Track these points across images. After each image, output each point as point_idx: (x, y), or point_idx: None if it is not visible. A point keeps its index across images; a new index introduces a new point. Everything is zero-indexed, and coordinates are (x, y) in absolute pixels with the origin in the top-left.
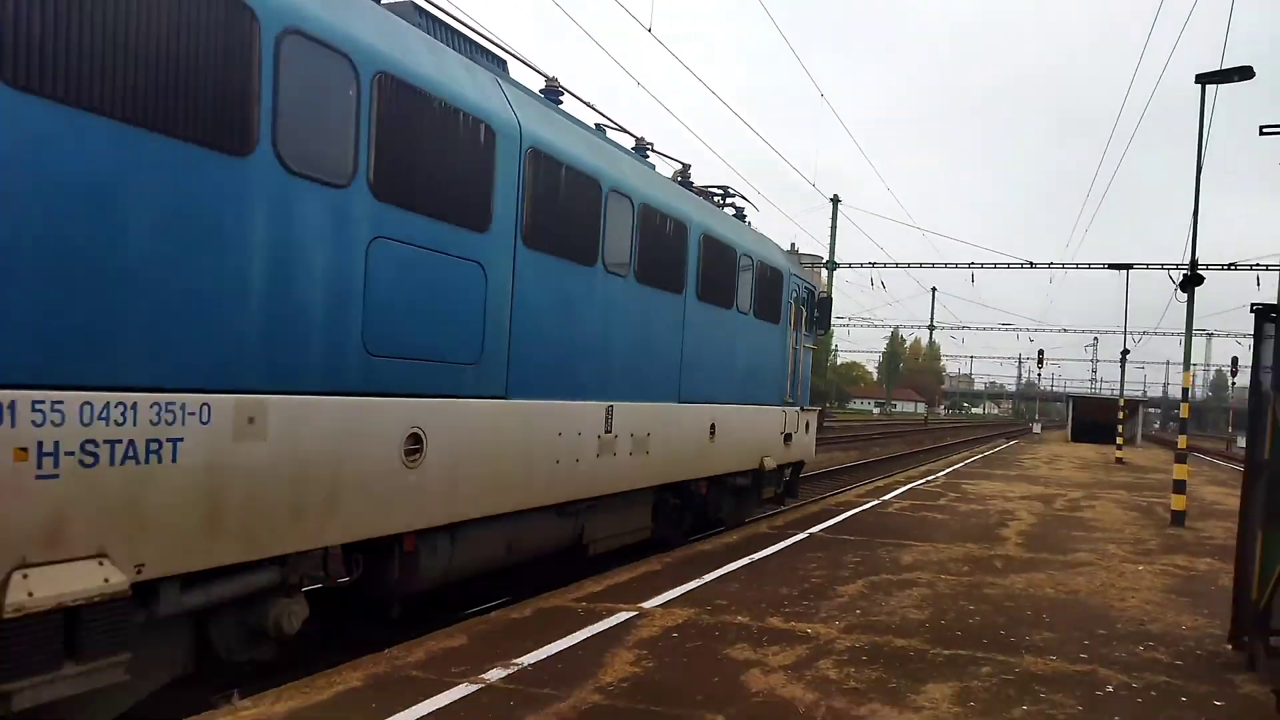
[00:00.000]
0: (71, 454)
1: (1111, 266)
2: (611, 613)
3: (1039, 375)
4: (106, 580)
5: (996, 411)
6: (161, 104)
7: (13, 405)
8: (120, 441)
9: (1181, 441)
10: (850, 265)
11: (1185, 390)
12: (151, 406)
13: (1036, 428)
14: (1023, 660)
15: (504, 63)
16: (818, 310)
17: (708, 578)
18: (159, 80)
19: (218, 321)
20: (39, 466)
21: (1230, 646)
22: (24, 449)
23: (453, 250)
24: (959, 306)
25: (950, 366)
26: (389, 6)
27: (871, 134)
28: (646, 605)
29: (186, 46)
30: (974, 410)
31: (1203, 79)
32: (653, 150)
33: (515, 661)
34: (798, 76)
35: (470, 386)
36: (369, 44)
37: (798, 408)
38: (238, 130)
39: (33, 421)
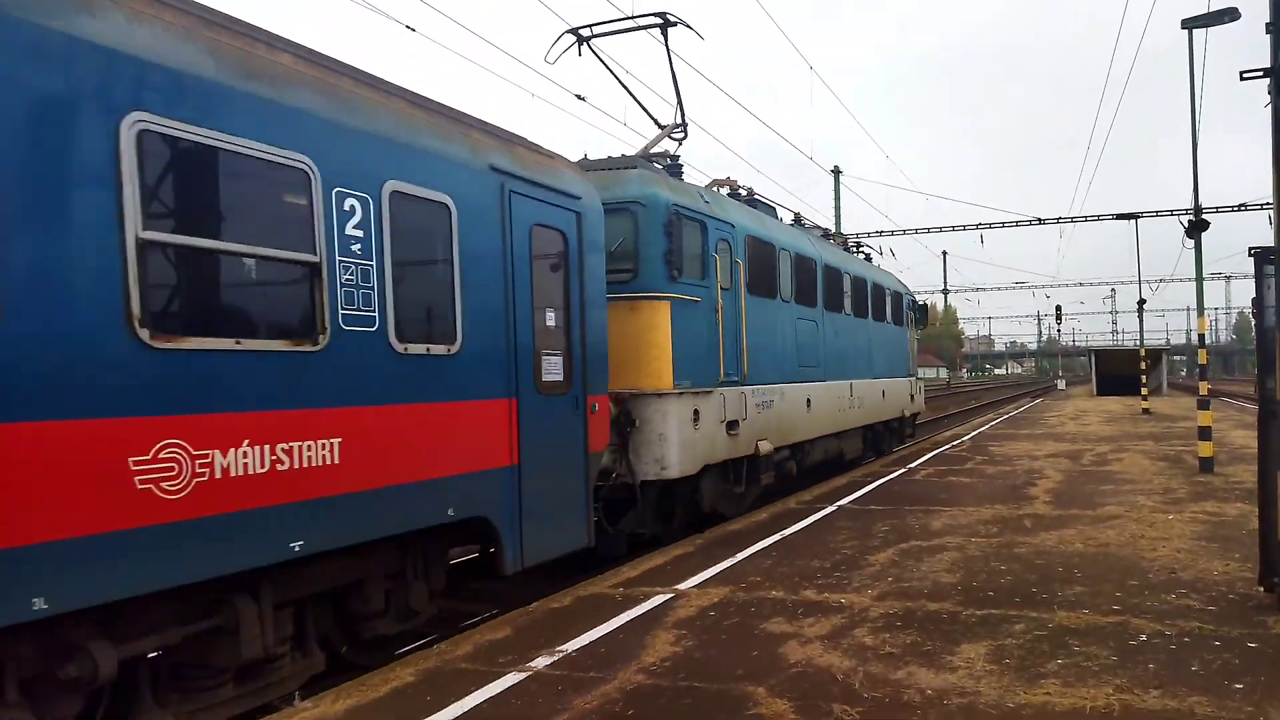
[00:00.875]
0: (758, 405)
1: (1119, 217)
2: (648, 596)
3: (1058, 331)
4: (769, 447)
5: (1019, 371)
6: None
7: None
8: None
9: (1202, 388)
10: (857, 236)
11: (1201, 336)
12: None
13: (1061, 384)
14: (1055, 615)
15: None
16: (919, 314)
17: (740, 556)
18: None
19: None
20: (758, 410)
21: (1261, 589)
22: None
23: (806, 315)
24: (971, 268)
25: (969, 329)
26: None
27: (866, 101)
28: (682, 587)
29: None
30: (996, 371)
31: (1189, 24)
32: (808, 222)
33: (560, 648)
34: (787, 51)
35: (816, 376)
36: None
37: (914, 378)
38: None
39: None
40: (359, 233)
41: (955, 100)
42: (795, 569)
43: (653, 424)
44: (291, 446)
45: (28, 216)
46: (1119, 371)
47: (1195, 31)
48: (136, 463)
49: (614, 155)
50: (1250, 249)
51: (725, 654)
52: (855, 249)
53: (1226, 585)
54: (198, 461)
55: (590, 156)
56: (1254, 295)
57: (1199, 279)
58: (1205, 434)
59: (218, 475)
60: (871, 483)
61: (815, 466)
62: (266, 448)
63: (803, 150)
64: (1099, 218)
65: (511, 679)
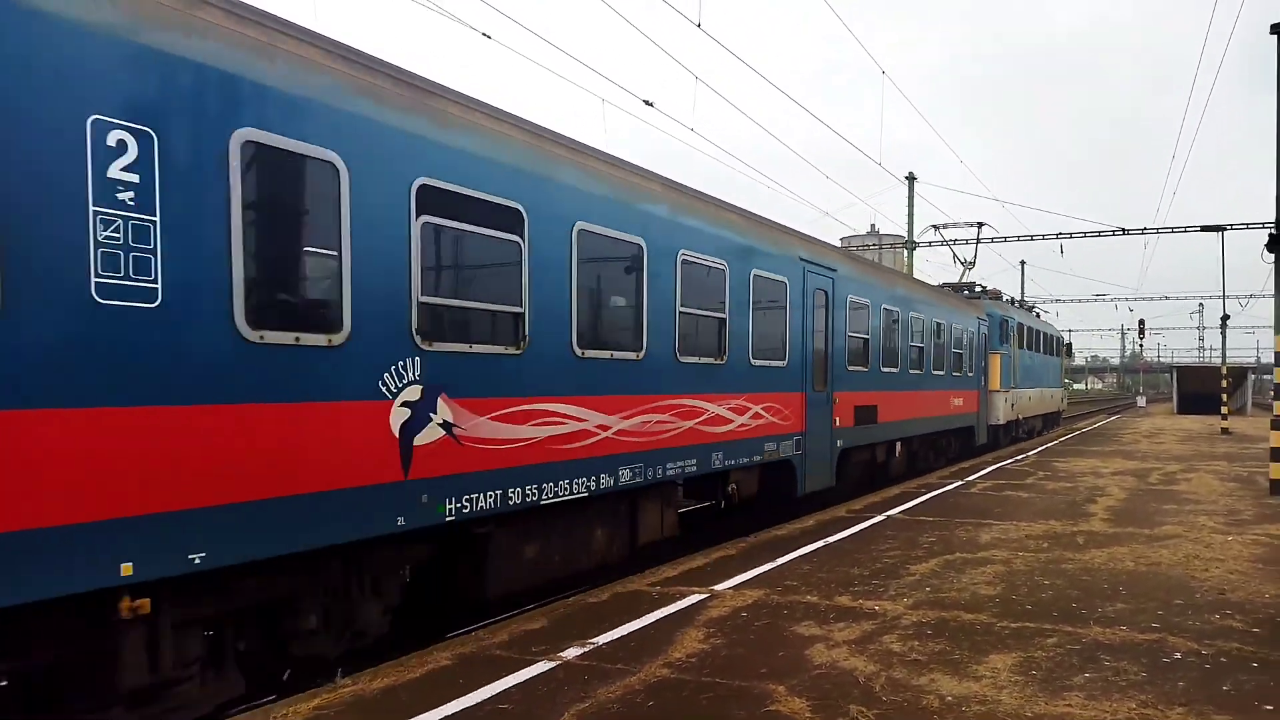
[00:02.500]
0: (1015, 397)
1: (1205, 229)
2: (684, 595)
3: (1140, 346)
4: (1018, 415)
5: (1100, 386)
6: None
7: (1014, 392)
8: (1019, 395)
9: (1277, 408)
10: (930, 244)
11: (1277, 355)
12: (1018, 391)
13: (1141, 400)
14: (1090, 631)
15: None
16: (1067, 349)
17: (780, 560)
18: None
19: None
20: (1015, 398)
21: None
22: (1016, 396)
23: (1027, 355)
24: (1049, 279)
25: None
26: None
27: (939, 106)
28: (718, 587)
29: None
30: (1075, 386)
31: (1278, 29)
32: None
33: (591, 641)
34: (858, 54)
35: (1028, 385)
36: (1015, 317)
37: (1063, 389)
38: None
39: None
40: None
41: (1035, 105)
42: (834, 575)
43: (995, 401)
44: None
45: None
46: (1201, 389)
47: None
48: None
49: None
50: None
51: (751, 653)
52: (1033, 309)
53: (1276, 609)
54: None
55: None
56: None
57: (1278, 294)
58: (1278, 455)
59: None
60: (925, 494)
61: (1029, 429)
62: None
63: (872, 156)
64: (1184, 229)
65: (541, 667)
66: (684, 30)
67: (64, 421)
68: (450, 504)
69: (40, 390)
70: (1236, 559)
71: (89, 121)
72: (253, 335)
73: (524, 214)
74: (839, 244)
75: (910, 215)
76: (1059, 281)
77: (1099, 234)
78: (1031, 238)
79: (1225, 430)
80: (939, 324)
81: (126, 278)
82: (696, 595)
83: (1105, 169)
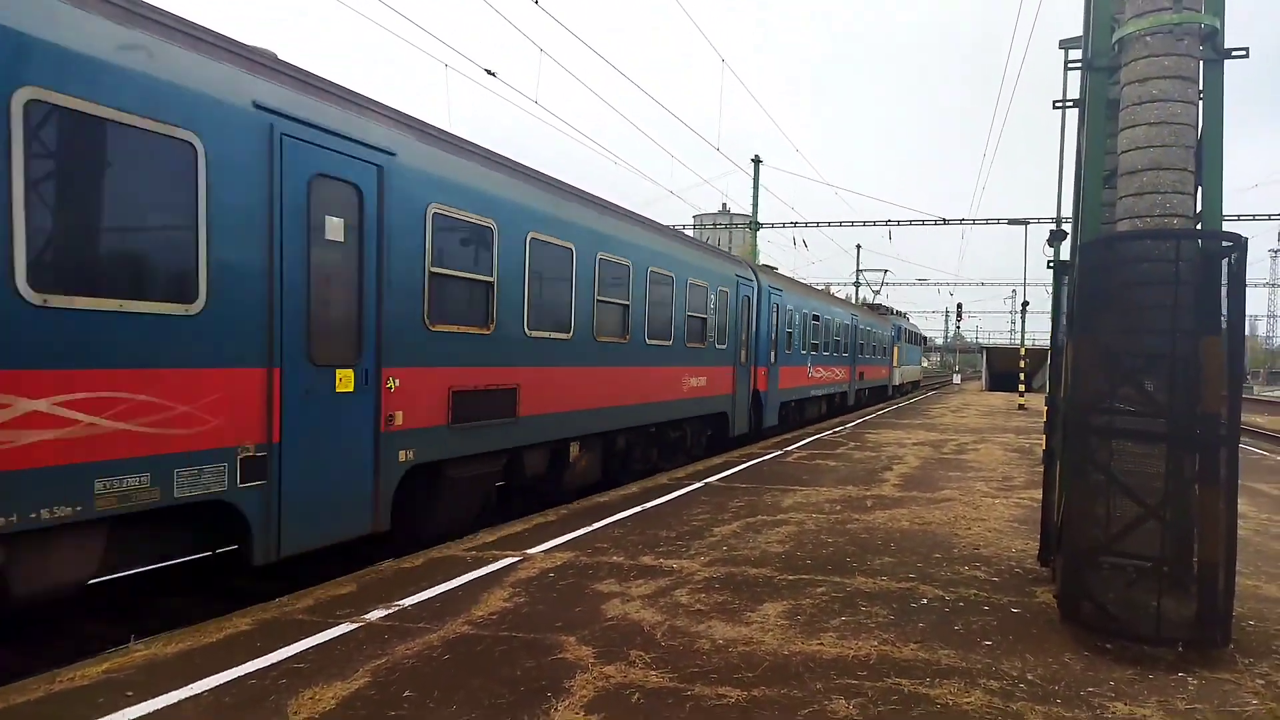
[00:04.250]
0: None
1: (1012, 222)
2: (498, 559)
3: (959, 328)
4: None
5: (925, 365)
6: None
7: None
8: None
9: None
10: (773, 225)
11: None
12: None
13: (956, 379)
14: (855, 581)
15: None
16: (925, 340)
17: (596, 525)
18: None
19: None
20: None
21: (1041, 565)
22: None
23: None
24: (879, 262)
25: None
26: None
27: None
28: (532, 551)
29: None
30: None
31: (1066, 44)
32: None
33: (397, 603)
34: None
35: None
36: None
37: (919, 365)
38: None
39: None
40: None
41: (875, 99)
42: (644, 538)
43: (894, 372)
44: None
45: None
46: (1008, 369)
47: (1074, 52)
48: None
49: None
50: (1048, 262)
51: (550, 609)
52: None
53: (1017, 561)
54: None
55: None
56: (1051, 305)
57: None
58: (1051, 427)
59: None
60: (745, 463)
61: (910, 387)
62: None
63: (710, 140)
64: (996, 220)
65: (343, 629)
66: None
67: None
68: None
69: None
70: (998, 519)
71: None
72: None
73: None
74: (691, 221)
75: (755, 197)
76: (889, 265)
77: (924, 222)
78: (864, 224)
79: (1022, 406)
80: (871, 330)
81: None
82: (510, 559)
83: (932, 160)
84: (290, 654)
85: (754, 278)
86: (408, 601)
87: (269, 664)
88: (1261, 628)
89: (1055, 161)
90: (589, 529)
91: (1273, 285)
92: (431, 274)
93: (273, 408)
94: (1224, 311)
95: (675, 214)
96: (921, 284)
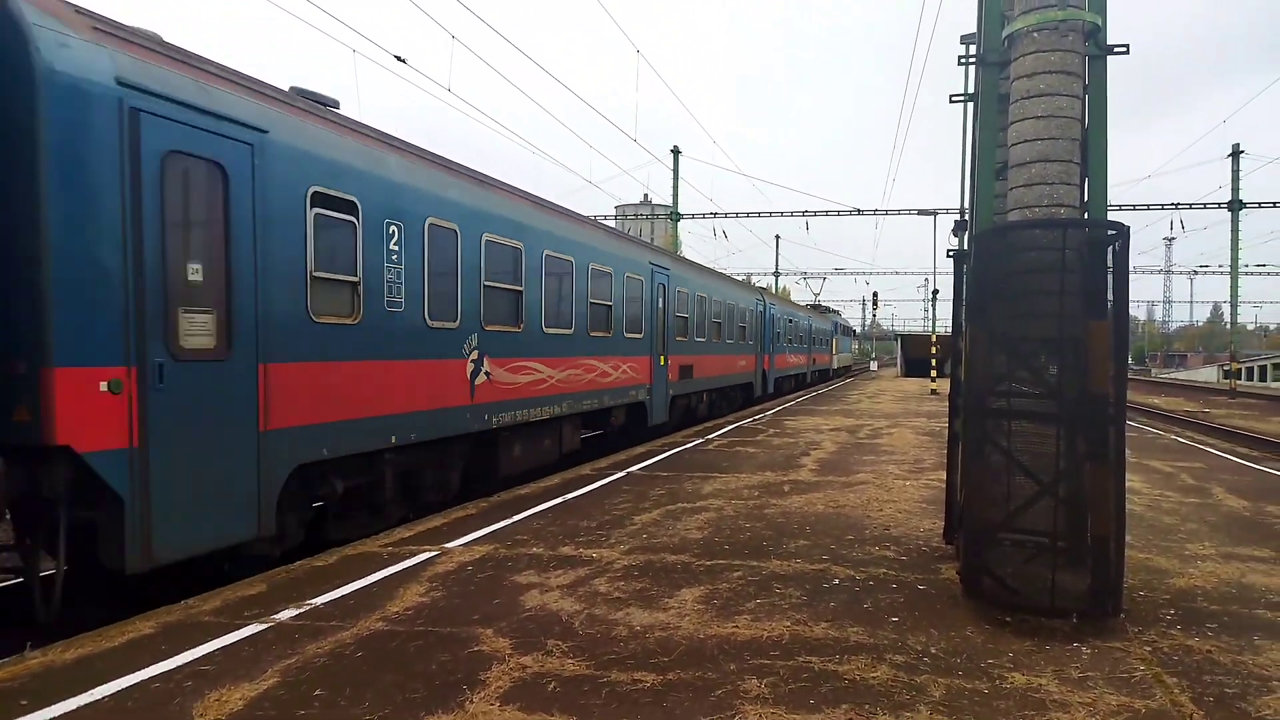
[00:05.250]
0: None
1: (921, 213)
2: (415, 554)
3: (874, 316)
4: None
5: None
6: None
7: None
8: None
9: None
10: (694, 216)
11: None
12: None
13: (873, 365)
14: (770, 565)
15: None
16: (855, 332)
17: (516, 517)
18: None
19: None
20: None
21: (946, 543)
22: None
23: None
24: (797, 253)
25: None
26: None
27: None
28: (450, 545)
29: None
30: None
31: (967, 39)
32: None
33: (309, 602)
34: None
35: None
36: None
37: (850, 353)
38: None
39: None
40: None
41: (784, 92)
42: (564, 528)
43: (834, 359)
44: None
45: None
46: (922, 355)
47: (972, 47)
48: None
49: None
50: (947, 251)
51: (467, 603)
52: (827, 310)
53: (924, 540)
54: None
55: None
56: (953, 293)
57: (957, 276)
58: (955, 411)
59: None
60: (666, 451)
61: (843, 370)
62: None
63: (626, 131)
64: (906, 211)
65: (251, 629)
66: None
67: None
68: None
69: None
70: (908, 500)
71: None
72: None
73: None
74: (613, 212)
75: (675, 187)
76: (806, 255)
77: (839, 213)
78: (783, 214)
79: (934, 391)
80: (820, 327)
81: None
82: (427, 553)
83: (847, 153)
84: (196, 656)
85: (833, 324)
86: (320, 600)
87: (173, 667)
88: (1151, 598)
89: (959, 154)
90: (509, 521)
91: (1166, 272)
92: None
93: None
94: (1109, 297)
95: (597, 205)
96: (839, 273)
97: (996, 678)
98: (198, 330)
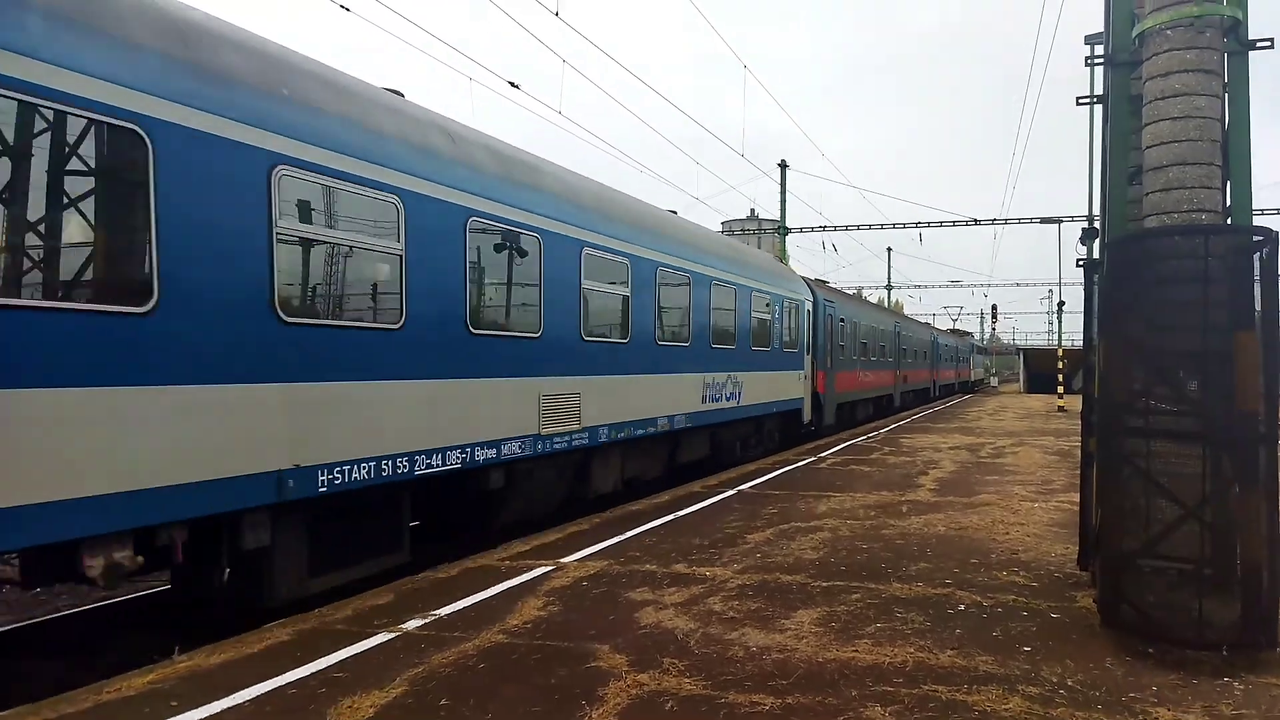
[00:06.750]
0: None
1: (1044, 220)
2: (531, 568)
3: (994, 329)
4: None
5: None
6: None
7: None
8: None
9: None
10: (802, 230)
11: (1085, 337)
12: None
13: (994, 381)
14: (890, 587)
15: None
16: (983, 349)
17: (629, 534)
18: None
19: None
20: None
21: (1080, 569)
22: None
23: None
24: (910, 266)
25: None
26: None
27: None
28: (565, 560)
29: None
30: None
31: (1092, 39)
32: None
33: (434, 612)
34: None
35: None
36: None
37: (984, 368)
38: None
39: None
40: None
41: (899, 102)
42: (676, 546)
43: (976, 372)
44: None
45: None
46: (1047, 370)
47: (1098, 47)
48: None
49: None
50: (1077, 261)
51: (584, 618)
52: (965, 333)
53: (1057, 566)
54: None
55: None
56: (1084, 307)
57: (1086, 280)
58: (1088, 429)
59: None
60: (777, 470)
61: (979, 383)
62: None
63: (734, 147)
64: (1029, 220)
65: (381, 638)
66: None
67: None
68: None
69: None
70: (1037, 524)
71: None
72: None
73: None
74: (720, 228)
75: (783, 201)
76: (920, 268)
77: (954, 223)
78: (894, 226)
79: (1061, 408)
80: (950, 346)
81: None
82: (544, 568)
83: (962, 162)
84: (329, 663)
85: (970, 345)
86: (444, 611)
87: (309, 673)
88: None
89: (1085, 158)
90: (621, 537)
91: None
92: None
93: None
94: (1257, 307)
95: (703, 221)
96: (955, 285)
97: (1140, 713)
98: None
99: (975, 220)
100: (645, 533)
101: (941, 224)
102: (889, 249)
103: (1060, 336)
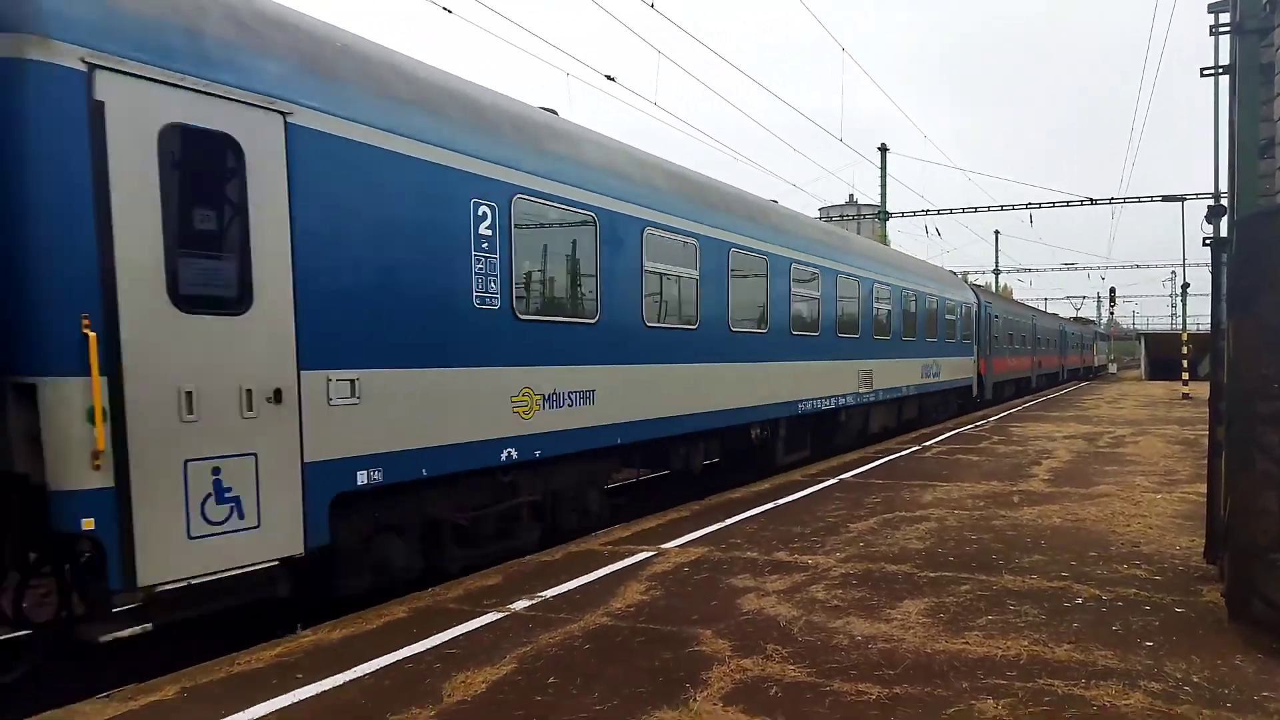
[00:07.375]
0: None
1: (1166, 199)
2: (633, 553)
3: (1112, 313)
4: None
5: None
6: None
7: None
8: None
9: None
10: (903, 214)
11: (1213, 319)
12: None
13: (1112, 367)
14: (1001, 579)
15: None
16: (1107, 337)
17: (729, 521)
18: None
19: None
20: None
21: (1208, 562)
22: None
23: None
24: (1019, 249)
25: None
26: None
27: (902, 81)
28: (666, 546)
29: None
30: None
31: (1215, 8)
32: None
33: (540, 594)
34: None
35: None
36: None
37: (1105, 354)
38: None
39: None
40: None
41: (1005, 82)
42: (777, 533)
43: (1099, 359)
44: None
45: None
46: (1169, 355)
47: (1222, 15)
48: None
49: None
50: (1204, 239)
51: (686, 603)
52: (1089, 321)
53: (1181, 559)
54: None
55: None
56: (1211, 286)
57: (1214, 261)
58: (1218, 418)
59: None
60: (881, 459)
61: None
62: None
63: (832, 132)
64: (1149, 199)
65: (490, 617)
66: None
67: None
68: None
69: None
70: (1160, 515)
71: None
72: None
73: None
74: (817, 214)
75: (883, 185)
76: (1030, 250)
77: (1067, 204)
78: (1001, 208)
79: (1186, 395)
80: (1076, 334)
81: None
82: (645, 553)
83: (1070, 142)
84: (443, 640)
85: (1094, 334)
86: (550, 593)
87: (424, 649)
88: None
89: (1210, 132)
90: (722, 524)
91: None
92: None
93: None
94: None
95: (801, 207)
96: (1069, 268)
97: (1274, 713)
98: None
99: (1091, 200)
100: (746, 520)
101: (1054, 204)
102: (996, 232)
103: (1185, 320)
